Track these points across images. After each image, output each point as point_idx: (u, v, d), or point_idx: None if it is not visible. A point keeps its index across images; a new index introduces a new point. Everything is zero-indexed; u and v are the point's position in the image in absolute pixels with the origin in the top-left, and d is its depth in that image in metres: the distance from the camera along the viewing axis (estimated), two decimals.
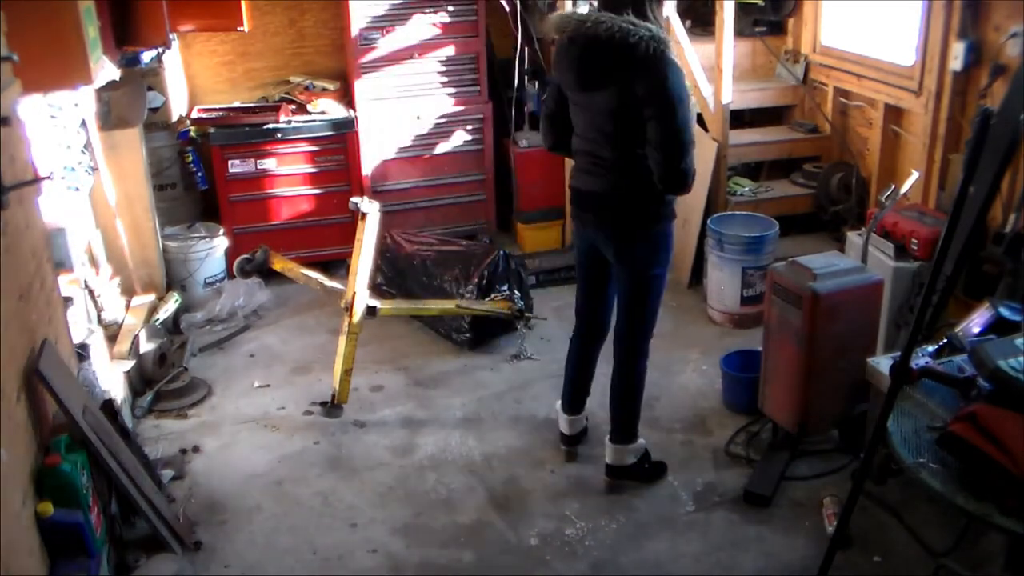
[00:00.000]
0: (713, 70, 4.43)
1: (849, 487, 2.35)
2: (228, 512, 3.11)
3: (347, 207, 3.94)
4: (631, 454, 3.15)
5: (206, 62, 5.17)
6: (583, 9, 2.86)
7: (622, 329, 3.07)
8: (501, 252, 4.23)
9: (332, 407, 3.68)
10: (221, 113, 4.90)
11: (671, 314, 4.33)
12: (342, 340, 3.66)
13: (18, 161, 2.67)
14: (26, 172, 2.74)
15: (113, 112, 3.76)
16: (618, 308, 3.07)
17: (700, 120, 4.52)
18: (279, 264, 4.22)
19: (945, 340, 2.67)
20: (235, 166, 4.75)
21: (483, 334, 4.21)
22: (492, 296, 4.09)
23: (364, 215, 3.72)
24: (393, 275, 4.49)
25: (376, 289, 4.30)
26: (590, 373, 3.30)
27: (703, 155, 4.27)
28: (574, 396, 3.32)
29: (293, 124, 4.77)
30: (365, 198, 3.88)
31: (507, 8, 4.95)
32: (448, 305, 4.03)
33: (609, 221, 2.90)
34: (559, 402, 3.40)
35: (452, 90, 5.03)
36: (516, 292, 4.15)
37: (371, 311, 3.73)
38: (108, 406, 2.97)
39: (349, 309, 3.67)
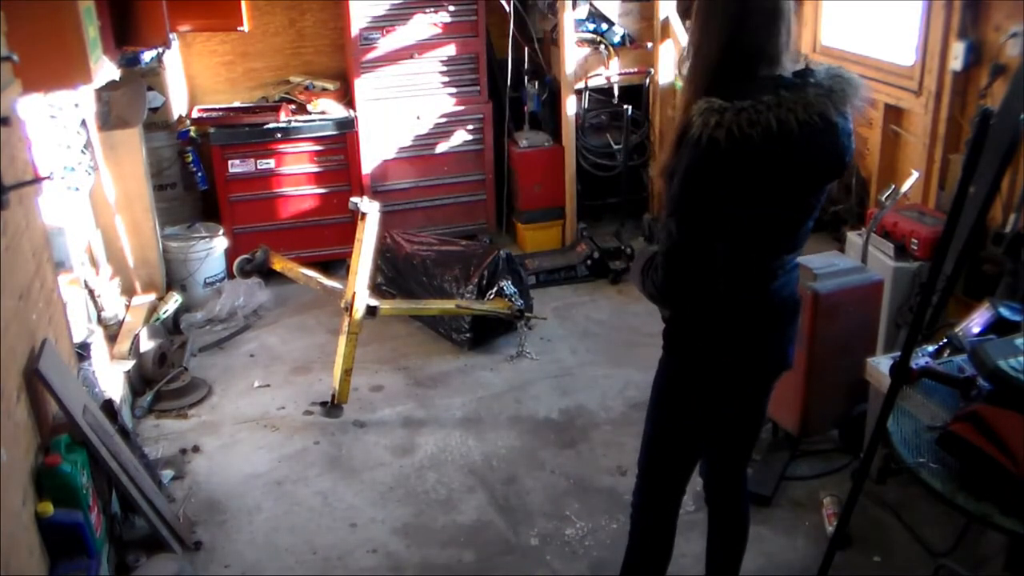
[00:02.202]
0: None
1: (849, 487, 2.34)
2: (228, 512, 3.11)
3: (347, 207, 3.95)
4: None
5: (206, 62, 5.17)
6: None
7: (744, 467, 2.38)
8: (501, 252, 4.23)
9: (332, 407, 3.68)
10: (221, 113, 4.90)
11: None
12: (342, 340, 3.66)
13: (18, 161, 2.67)
14: (26, 172, 2.74)
15: (113, 112, 3.76)
16: (740, 446, 2.35)
17: None
18: (279, 264, 4.22)
19: (945, 340, 2.66)
20: (235, 166, 4.75)
21: (483, 334, 4.21)
22: (490, 295, 4.10)
23: (364, 215, 3.72)
24: (393, 275, 4.49)
25: (376, 289, 4.30)
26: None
27: None
28: None
29: (293, 124, 4.77)
30: (365, 198, 3.88)
31: (507, 8, 4.95)
32: (448, 305, 4.03)
33: (790, 326, 2.13)
34: None
35: (452, 90, 5.03)
36: (516, 291, 4.15)
37: (371, 311, 3.73)
38: (108, 406, 2.97)
39: (349, 309, 3.67)
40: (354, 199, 3.83)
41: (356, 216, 3.77)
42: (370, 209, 3.72)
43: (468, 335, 4.18)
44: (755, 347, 2.08)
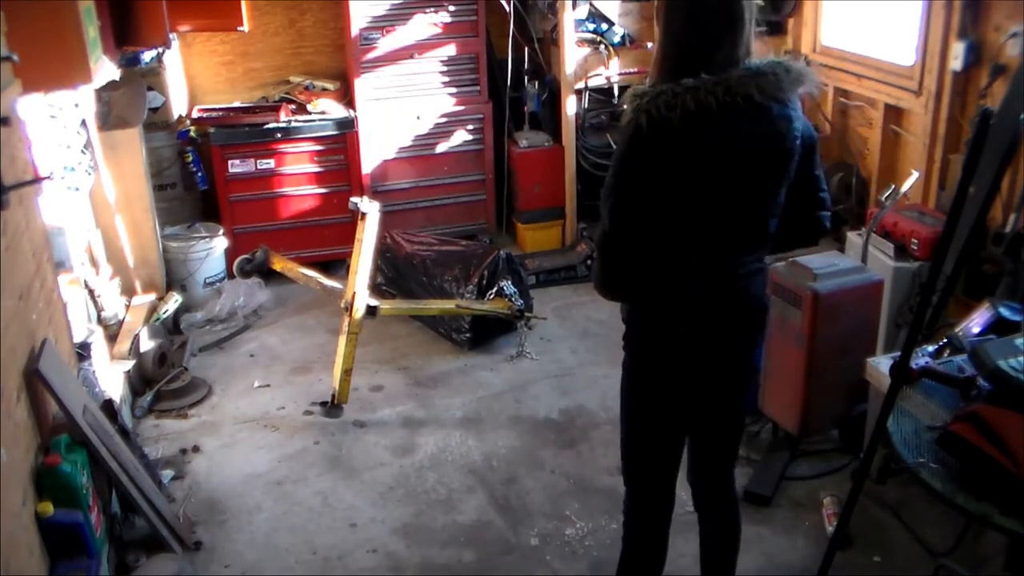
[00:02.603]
0: None
1: (849, 487, 2.35)
2: (228, 512, 3.11)
3: (347, 207, 3.95)
4: None
5: (206, 62, 5.17)
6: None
7: (728, 470, 2.35)
8: (501, 252, 4.23)
9: (332, 407, 3.68)
10: (221, 113, 4.90)
11: None
12: (342, 340, 3.66)
13: (18, 161, 2.67)
14: (26, 172, 2.74)
15: (113, 112, 3.76)
16: (717, 448, 2.31)
17: None
18: (279, 264, 4.22)
19: (945, 340, 2.66)
20: (235, 166, 4.75)
21: (483, 334, 4.21)
22: (490, 295, 4.09)
23: (364, 215, 3.72)
24: (393, 275, 4.49)
25: (376, 289, 4.30)
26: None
27: None
28: None
29: (293, 124, 4.77)
30: (365, 198, 3.88)
31: (507, 8, 4.95)
32: (448, 305, 4.03)
33: (749, 329, 2.10)
34: None
35: (452, 90, 5.03)
36: (516, 291, 4.15)
37: (371, 311, 3.73)
38: (108, 406, 2.97)
39: (349, 309, 3.67)
40: (354, 199, 3.83)
41: (356, 216, 3.77)
42: (370, 209, 3.73)
43: (468, 335, 4.18)
44: (700, 344, 2.04)
